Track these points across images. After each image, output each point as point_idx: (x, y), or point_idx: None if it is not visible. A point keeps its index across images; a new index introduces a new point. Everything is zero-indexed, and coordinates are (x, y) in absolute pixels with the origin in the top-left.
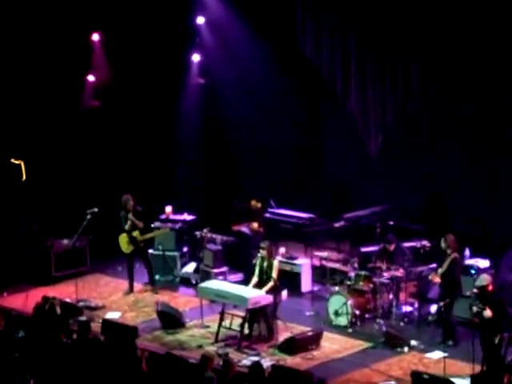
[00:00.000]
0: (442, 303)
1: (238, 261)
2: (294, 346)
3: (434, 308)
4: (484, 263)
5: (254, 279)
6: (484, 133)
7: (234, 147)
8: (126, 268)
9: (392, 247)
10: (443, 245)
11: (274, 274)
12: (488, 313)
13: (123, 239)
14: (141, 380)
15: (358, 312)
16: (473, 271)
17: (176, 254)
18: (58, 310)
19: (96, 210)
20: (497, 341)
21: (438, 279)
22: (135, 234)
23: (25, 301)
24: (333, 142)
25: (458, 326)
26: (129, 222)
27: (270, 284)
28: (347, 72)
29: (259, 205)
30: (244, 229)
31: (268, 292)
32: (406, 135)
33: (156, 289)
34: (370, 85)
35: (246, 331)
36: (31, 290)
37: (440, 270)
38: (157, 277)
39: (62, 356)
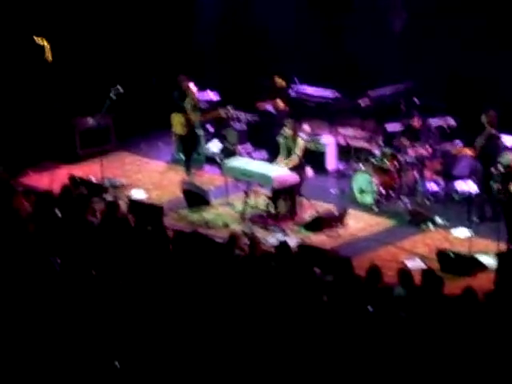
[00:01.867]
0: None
1: (263, 139)
2: (318, 223)
3: (459, 185)
4: (511, 141)
5: (280, 157)
6: None
7: (258, 24)
8: (180, 149)
9: (416, 123)
10: (483, 119)
11: (298, 151)
12: None
13: (178, 119)
14: (168, 259)
15: (383, 190)
16: None
17: (201, 133)
18: (85, 191)
19: (120, 88)
20: None
21: (469, 152)
22: (192, 115)
23: (51, 179)
24: (357, 19)
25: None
26: (188, 100)
27: (294, 161)
28: None
29: (283, 82)
30: (268, 107)
31: (292, 170)
32: (431, 12)
33: (190, 172)
34: None
35: (272, 209)
36: (56, 169)
37: (476, 143)
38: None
39: (91, 236)
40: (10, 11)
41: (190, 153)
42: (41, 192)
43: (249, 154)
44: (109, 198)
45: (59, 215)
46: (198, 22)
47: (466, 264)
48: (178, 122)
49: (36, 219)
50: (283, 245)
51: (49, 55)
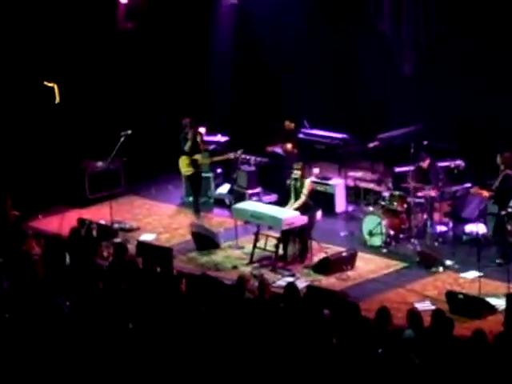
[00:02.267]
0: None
1: (272, 182)
2: (328, 266)
3: (468, 227)
4: None
5: (290, 201)
6: None
7: (268, 68)
8: (187, 191)
9: (425, 164)
10: (499, 161)
11: (305, 191)
12: None
13: (183, 161)
14: (178, 301)
15: (392, 232)
16: None
17: (210, 175)
18: (95, 233)
19: (130, 132)
20: None
21: (485, 193)
22: (197, 156)
23: (60, 223)
24: (366, 62)
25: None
26: (188, 144)
27: (301, 200)
28: None
29: (292, 125)
30: (277, 150)
31: (302, 212)
32: (439, 56)
33: (199, 215)
34: (403, 4)
35: (281, 252)
36: (66, 212)
37: (494, 185)
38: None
39: (99, 278)
40: (20, 55)
41: (196, 194)
42: (50, 235)
43: (258, 197)
44: (118, 241)
45: (68, 258)
46: (209, 65)
47: (476, 306)
48: (183, 163)
49: (45, 262)
50: (291, 286)
51: (57, 96)
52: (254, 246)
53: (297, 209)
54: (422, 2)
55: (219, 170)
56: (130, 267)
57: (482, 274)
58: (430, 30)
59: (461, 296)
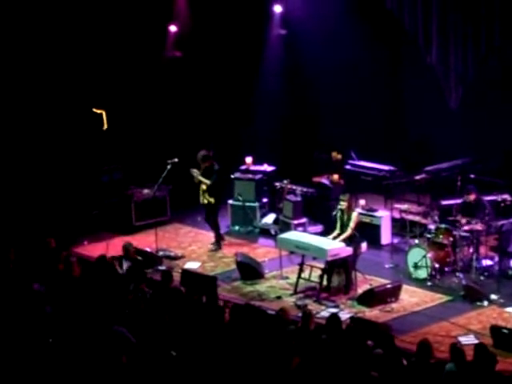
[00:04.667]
0: None
1: (318, 212)
2: (372, 298)
3: None
4: None
5: (335, 232)
6: None
7: (316, 98)
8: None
9: (471, 198)
10: None
11: (352, 224)
12: None
13: (200, 190)
14: (222, 330)
15: (437, 265)
16: None
17: (255, 204)
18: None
19: (176, 160)
20: None
21: None
22: (205, 191)
23: (105, 250)
24: (413, 94)
25: None
26: (194, 178)
27: (347, 233)
28: (429, 23)
29: (340, 156)
30: (324, 180)
31: (347, 243)
32: (487, 88)
33: (220, 246)
34: (451, 36)
35: (325, 283)
36: (111, 239)
37: None
38: (236, 227)
39: (144, 305)
40: (70, 81)
41: (212, 222)
42: (94, 262)
43: (303, 228)
44: (163, 268)
45: (111, 283)
46: (257, 94)
47: None
48: (200, 192)
49: (87, 288)
50: (334, 317)
51: (105, 123)
52: (299, 277)
53: (343, 240)
54: (470, 35)
55: (265, 200)
56: (175, 295)
57: None
58: (477, 63)
59: (505, 330)
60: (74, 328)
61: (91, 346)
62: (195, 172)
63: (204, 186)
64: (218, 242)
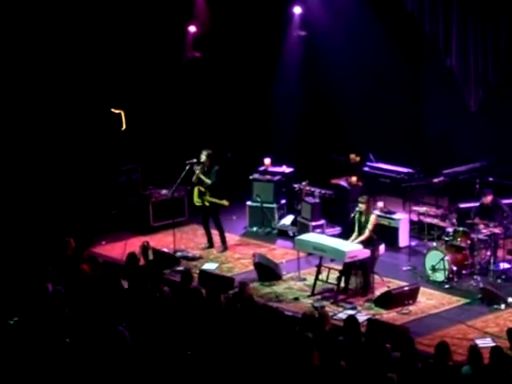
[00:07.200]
0: None
1: (336, 214)
2: (390, 300)
3: None
4: None
5: (354, 234)
6: None
7: (334, 100)
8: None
9: (488, 200)
10: None
11: (370, 226)
12: None
13: (195, 191)
14: (239, 331)
15: (455, 268)
16: None
17: (274, 205)
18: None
19: (195, 160)
20: None
21: None
22: (205, 193)
23: (123, 250)
24: (432, 97)
25: None
26: (194, 176)
27: (365, 235)
28: (449, 25)
29: (358, 158)
30: (342, 182)
31: (365, 245)
32: (507, 90)
33: (226, 247)
34: (471, 38)
35: (343, 285)
36: (129, 240)
37: None
38: (254, 229)
39: (163, 305)
40: (89, 81)
41: (216, 223)
42: (111, 262)
43: (321, 229)
44: (182, 269)
45: (127, 285)
46: (276, 95)
47: None
48: (194, 193)
49: (105, 288)
50: (351, 319)
51: (123, 123)
52: (316, 278)
53: (360, 242)
54: (491, 38)
55: (283, 201)
56: (195, 295)
57: None
58: (497, 65)
59: None
60: (93, 328)
61: (108, 347)
62: (198, 169)
63: (202, 188)
64: (224, 242)
